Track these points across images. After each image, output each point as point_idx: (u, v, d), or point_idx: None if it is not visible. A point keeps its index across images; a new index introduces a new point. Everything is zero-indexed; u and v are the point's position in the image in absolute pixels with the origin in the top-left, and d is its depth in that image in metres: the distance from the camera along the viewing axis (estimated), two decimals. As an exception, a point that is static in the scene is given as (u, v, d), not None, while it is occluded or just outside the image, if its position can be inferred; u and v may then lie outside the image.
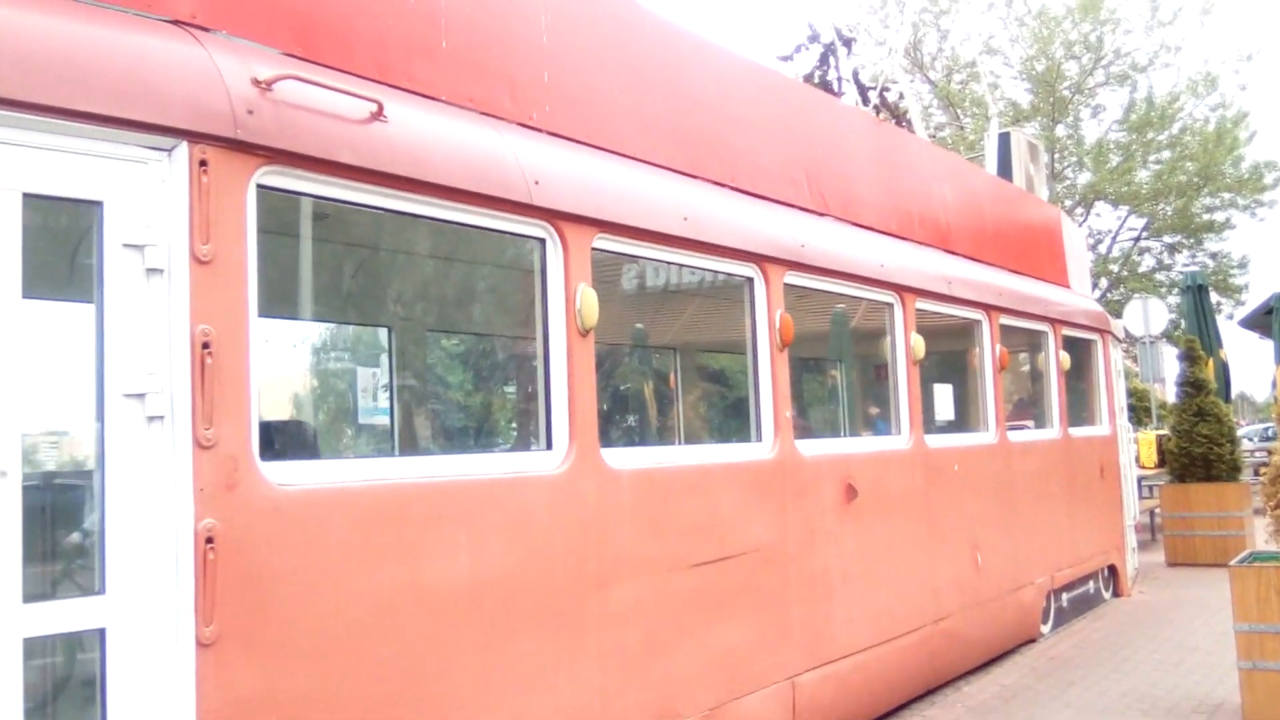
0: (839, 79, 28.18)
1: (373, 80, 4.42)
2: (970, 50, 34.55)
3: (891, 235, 8.13)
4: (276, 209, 4.22)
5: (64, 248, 3.90)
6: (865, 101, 17.39)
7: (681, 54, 6.38)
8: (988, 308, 9.12)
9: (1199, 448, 14.35)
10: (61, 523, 3.59)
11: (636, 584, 5.16)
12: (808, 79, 26.08)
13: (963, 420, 9.15)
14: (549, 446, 4.90)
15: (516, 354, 7.65)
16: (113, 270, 3.49)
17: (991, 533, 8.78)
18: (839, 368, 9.45)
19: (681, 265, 6.10)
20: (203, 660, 3.40)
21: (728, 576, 5.79)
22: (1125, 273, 35.52)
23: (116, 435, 3.41)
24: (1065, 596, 10.38)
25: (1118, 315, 17.63)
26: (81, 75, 3.41)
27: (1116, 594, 11.69)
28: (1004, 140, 13.19)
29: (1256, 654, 6.54)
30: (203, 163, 3.63)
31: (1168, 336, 22.83)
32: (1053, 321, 10.53)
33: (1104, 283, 34.09)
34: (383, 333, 7.78)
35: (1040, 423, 10.59)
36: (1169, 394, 19.57)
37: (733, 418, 8.48)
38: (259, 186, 3.83)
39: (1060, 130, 34.68)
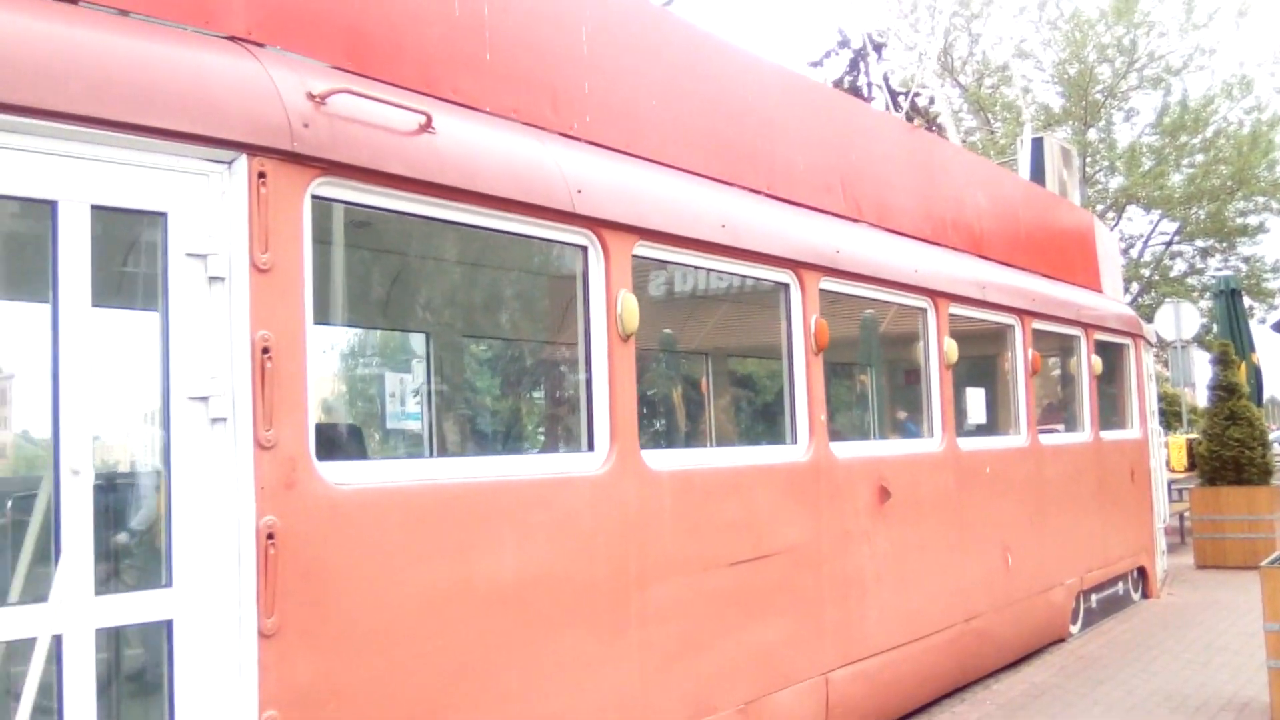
0: (869, 84, 28.16)
1: (419, 92, 4.53)
2: (1002, 54, 34.44)
3: (925, 241, 8.21)
4: (324, 219, 4.35)
5: (130, 258, 4.05)
6: (896, 107, 17.44)
7: (718, 63, 6.49)
8: (1021, 312, 9.19)
9: (1230, 451, 14.34)
10: (130, 519, 3.75)
11: (675, 582, 5.29)
12: (837, 84, 26.10)
13: (995, 423, 9.22)
14: (590, 448, 5.03)
15: (558, 359, 7.79)
16: (177, 278, 3.63)
17: (1022, 534, 8.85)
18: (870, 371, 9.53)
19: (719, 272, 6.21)
20: (265, 650, 3.55)
21: (763, 575, 5.91)
22: (1156, 277, 35.28)
23: (182, 436, 3.56)
24: (1094, 597, 10.42)
25: (1149, 320, 17.58)
26: (147, 91, 3.53)
27: (1145, 595, 11.71)
28: (1037, 145, 13.22)
29: (1287, 654, 6.59)
30: (261, 174, 3.75)
31: (1199, 341, 22.72)
32: (1085, 326, 10.58)
33: (1134, 287, 33.89)
34: (421, 339, 7.95)
35: (1071, 426, 10.63)
36: (1199, 399, 19.49)
37: (765, 422, 8.59)
38: (313, 197, 3.96)
39: (1092, 134, 34.47)
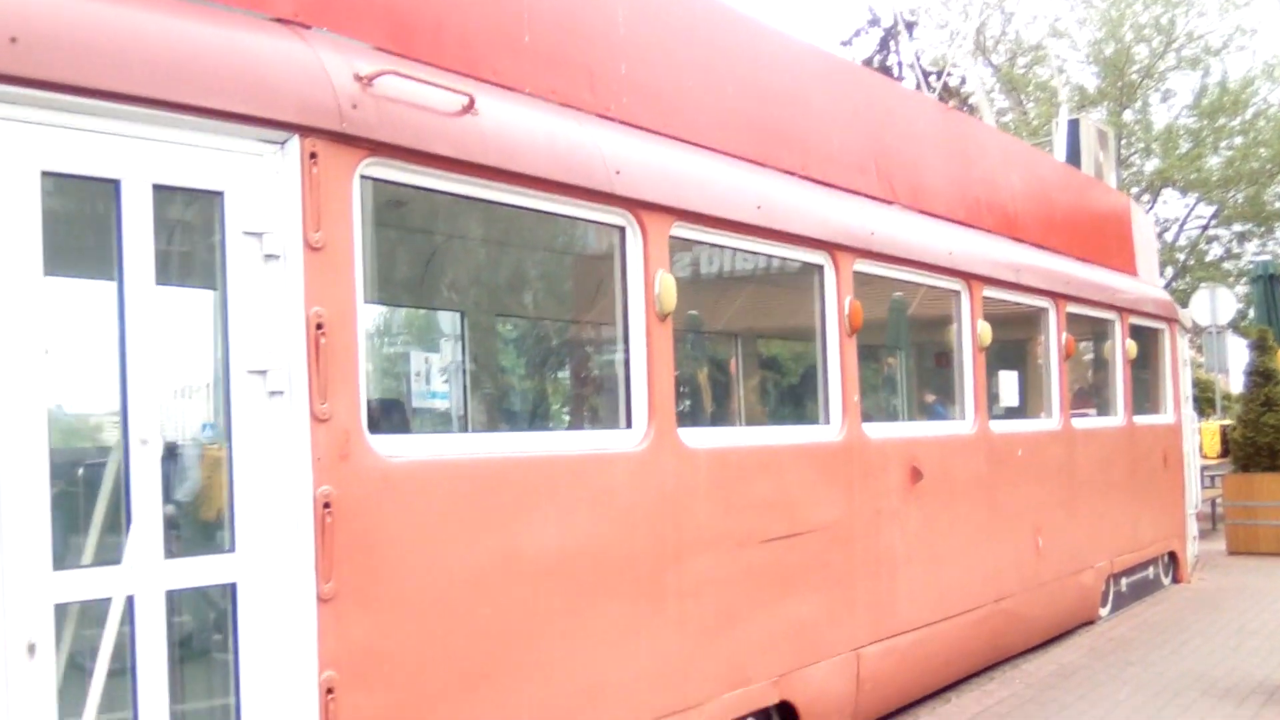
0: (900, 64, 27.98)
1: (460, 74, 4.59)
2: (1036, 32, 34.11)
3: (959, 223, 8.24)
4: (371, 198, 4.45)
5: (188, 237, 4.17)
6: (928, 87, 17.37)
7: (753, 44, 6.53)
8: (1055, 295, 9.21)
9: (1265, 437, 14.27)
10: (194, 487, 3.90)
11: (711, 557, 5.40)
12: (867, 64, 25.94)
13: (1028, 406, 9.26)
14: (629, 425, 5.14)
15: (599, 338, 7.89)
16: (234, 256, 3.74)
17: (1053, 516, 8.90)
18: (902, 354, 9.58)
19: (754, 253, 6.29)
20: (323, 613, 3.69)
21: (797, 552, 6.01)
22: (1192, 261, 34.95)
23: (241, 408, 3.69)
24: (1125, 581, 10.46)
25: (1184, 304, 17.49)
26: (205, 73, 3.63)
27: (1176, 580, 11.73)
28: (1073, 127, 13.15)
29: (1318, 637, 6.63)
30: (313, 155, 3.85)
31: (1234, 327, 22.55)
32: (1120, 310, 10.58)
33: (1169, 271, 33.60)
34: (455, 318, 8.07)
35: (1104, 410, 10.65)
36: (1233, 385, 19.37)
37: (799, 402, 8.65)
38: (362, 177, 4.06)
39: (1128, 115, 34.11)
